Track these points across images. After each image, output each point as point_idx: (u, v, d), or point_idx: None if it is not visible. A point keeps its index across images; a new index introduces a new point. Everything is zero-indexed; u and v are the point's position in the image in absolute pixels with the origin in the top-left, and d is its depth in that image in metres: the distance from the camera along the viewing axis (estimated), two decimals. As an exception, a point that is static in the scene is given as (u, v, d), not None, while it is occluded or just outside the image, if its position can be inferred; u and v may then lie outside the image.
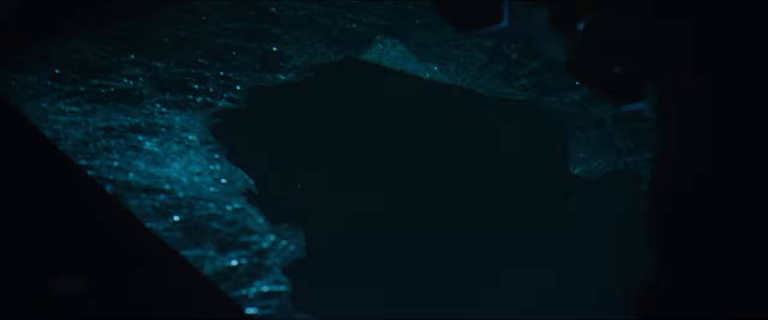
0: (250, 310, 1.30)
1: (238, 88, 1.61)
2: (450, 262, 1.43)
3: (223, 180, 1.46)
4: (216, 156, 1.50)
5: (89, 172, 1.43)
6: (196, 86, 1.60)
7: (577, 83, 1.61)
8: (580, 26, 1.26)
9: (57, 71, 1.56)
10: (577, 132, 1.59)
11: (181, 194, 1.43)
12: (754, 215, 1.04)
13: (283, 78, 1.64)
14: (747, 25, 1.05)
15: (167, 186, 1.44)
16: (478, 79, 1.65)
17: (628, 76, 1.24)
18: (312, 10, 1.74)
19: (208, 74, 1.62)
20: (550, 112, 1.62)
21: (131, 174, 1.45)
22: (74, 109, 1.52)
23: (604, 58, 1.25)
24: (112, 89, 1.56)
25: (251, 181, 1.47)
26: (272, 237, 1.39)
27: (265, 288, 1.33)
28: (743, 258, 1.05)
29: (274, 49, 1.67)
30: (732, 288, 1.08)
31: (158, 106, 1.55)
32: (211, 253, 1.36)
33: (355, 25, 1.72)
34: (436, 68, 1.67)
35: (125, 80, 1.58)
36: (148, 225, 1.37)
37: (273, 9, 1.73)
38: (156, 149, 1.49)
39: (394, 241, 1.43)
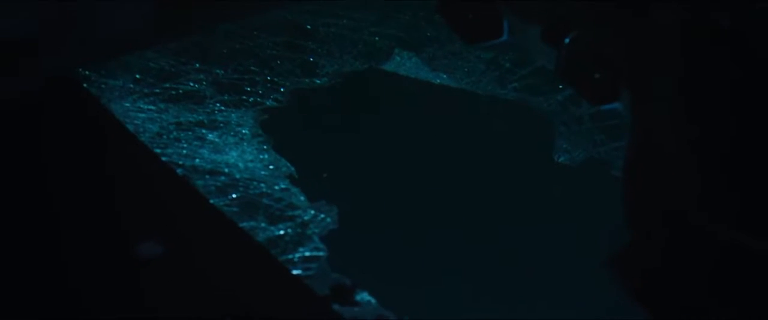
0: (296, 271, 1.31)
1: (281, 90, 1.62)
2: (455, 236, 1.43)
3: (271, 166, 1.48)
4: (265, 147, 1.51)
5: (163, 159, 1.44)
6: (248, 89, 1.61)
7: (560, 86, 1.62)
8: (566, 40, 1.27)
9: (137, 77, 1.57)
10: (560, 127, 1.60)
11: (238, 176, 1.45)
12: (707, 189, 1.04)
13: (318, 82, 1.65)
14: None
15: (226, 170, 1.45)
16: (478, 84, 1.66)
17: (605, 80, 1.25)
18: (340, 26, 1.75)
19: (258, 79, 1.63)
20: (537, 110, 1.63)
21: (197, 160, 1.46)
22: (151, 107, 1.53)
23: (585, 66, 1.26)
24: (181, 91, 1.57)
25: (293, 168, 1.48)
26: (312, 212, 1.40)
27: (307, 253, 1.34)
28: (700, 229, 1.06)
29: (311, 59, 1.68)
30: (690, 253, 1.09)
31: (218, 105, 1.57)
32: (262, 224, 1.37)
33: (377, 39, 1.73)
34: (445, 76, 1.68)
35: (191, 84, 1.59)
36: (212, 201, 1.39)
37: (308, 26, 1.74)
38: (217, 140, 1.51)
39: (409, 217, 1.44)
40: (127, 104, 1.53)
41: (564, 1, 1.25)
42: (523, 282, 1.33)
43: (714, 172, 1.01)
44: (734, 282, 1.01)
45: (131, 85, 1.56)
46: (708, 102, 1.05)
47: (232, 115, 1.56)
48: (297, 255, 1.33)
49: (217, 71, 1.62)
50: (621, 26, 1.20)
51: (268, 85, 1.62)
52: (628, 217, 1.19)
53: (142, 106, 1.53)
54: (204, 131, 1.52)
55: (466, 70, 1.68)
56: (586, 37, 1.25)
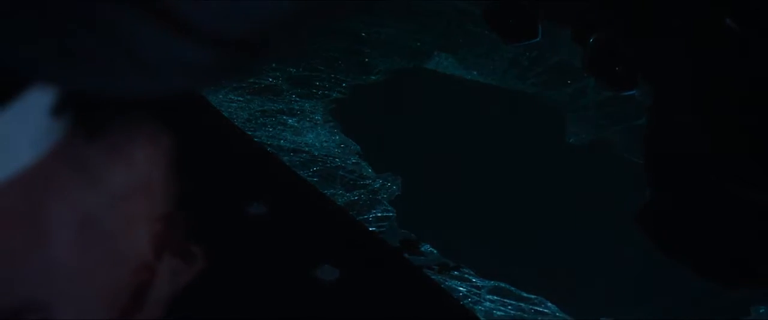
0: (371, 228, 1.37)
1: (344, 85, 1.68)
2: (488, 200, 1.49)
3: (342, 146, 1.54)
4: (335, 130, 1.57)
5: (255, 139, 1.50)
6: (317, 83, 1.66)
7: (568, 81, 1.68)
8: (591, 40, 1.33)
9: (231, 73, 1.62)
10: (570, 114, 1.66)
11: (316, 153, 1.51)
12: (716, 153, 1.09)
13: (373, 78, 1.70)
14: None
15: (306, 149, 1.51)
16: (502, 79, 1.72)
17: (624, 72, 1.31)
18: (389, 34, 1.80)
19: (324, 76, 1.68)
20: (551, 101, 1.69)
21: (282, 141, 1.52)
22: (239, 98, 1.59)
23: (607, 61, 1.32)
24: (262, 85, 1.63)
25: (359, 146, 1.54)
26: (380, 181, 1.46)
27: (379, 214, 1.40)
28: (714, 185, 1.11)
29: (366, 60, 1.74)
30: (705, 207, 1.14)
31: (294, 96, 1.62)
32: (340, 191, 1.43)
33: (419, 43, 1.79)
34: (475, 73, 1.73)
35: (271, 79, 1.65)
36: (299, 172, 1.44)
37: (363, 34, 1.79)
38: (295, 125, 1.56)
39: (459, 182, 1.50)
40: (221, 96, 1.58)
41: (590, 7, 1.31)
42: (558, 233, 1.40)
43: (729, 141, 1.06)
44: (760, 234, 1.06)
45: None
46: (721, 91, 1.09)
47: (306, 104, 1.61)
48: (371, 215, 1.39)
49: (291, 69, 1.68)
50: (640, 27, 1.25)
51: (333, 80, 1.68)
52: (651, 181, 1.23)
53: (232, 97, 1.59)
54: (284, 117, 1.57)
55: (492, 68, 1.74)
56: (607, 37, 1.31)
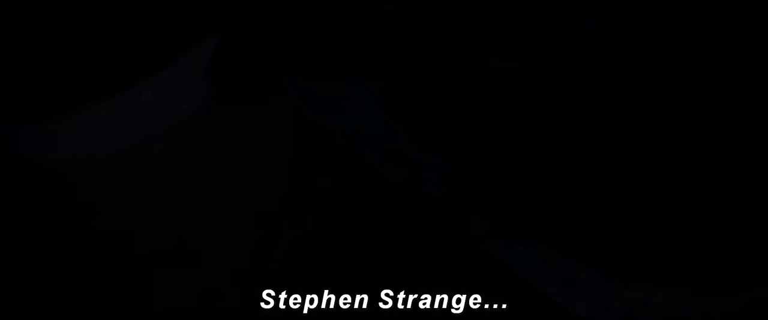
0: (423, 201, 1.42)
1: (388, 74, 1.72)
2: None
3: (390, 127, 1.59)
4: (385, 114, 1.62)
5: (315, 122, 1.55)
6: (365, 72, 1.72)
7: (600, 70, 1.74)
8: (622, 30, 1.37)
9: (289, 60, 1.68)
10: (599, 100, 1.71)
11: (370, 135, 1.55)
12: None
13: (414, 68, 1.75)
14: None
15: (359, 129, 1.56)
16: (535, 69, 1.77)
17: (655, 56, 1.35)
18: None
19: (371, 64, 1.73)
20: (580, 88, 1.74)
21: (339, 124, 1.57)
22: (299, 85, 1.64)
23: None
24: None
25: (405, 128, 1.59)
26: (430, 160, 1.51)
27: (430, 189, 1.45)
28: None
29: (406, 50, 1.79)
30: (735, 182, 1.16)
31: (346, 83, 1.67)
32: (394, 169, 1.48)
33: (454, 36, 1.84)
34: (508, 62, 1.78)
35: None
36: (357, 152, 1.49)
37: (403, 26, 1.85)
38: (350, 109, 1.61)
39: (497, 162, 1.55)
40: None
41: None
42: (595, 205, 1.46)
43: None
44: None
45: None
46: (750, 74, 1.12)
47: (357, 91, 1.66)
48: (423, 190, 1.44)
49: (342, 58, 1.73)
50: (669, 14, 1.28)
51: (379, 69, 1.72)
52: (681, 158, 1.26)
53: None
54: (340, 103, 1.62)
55: (524, 58, 1.79)
56: (637, 25, 1.35)
